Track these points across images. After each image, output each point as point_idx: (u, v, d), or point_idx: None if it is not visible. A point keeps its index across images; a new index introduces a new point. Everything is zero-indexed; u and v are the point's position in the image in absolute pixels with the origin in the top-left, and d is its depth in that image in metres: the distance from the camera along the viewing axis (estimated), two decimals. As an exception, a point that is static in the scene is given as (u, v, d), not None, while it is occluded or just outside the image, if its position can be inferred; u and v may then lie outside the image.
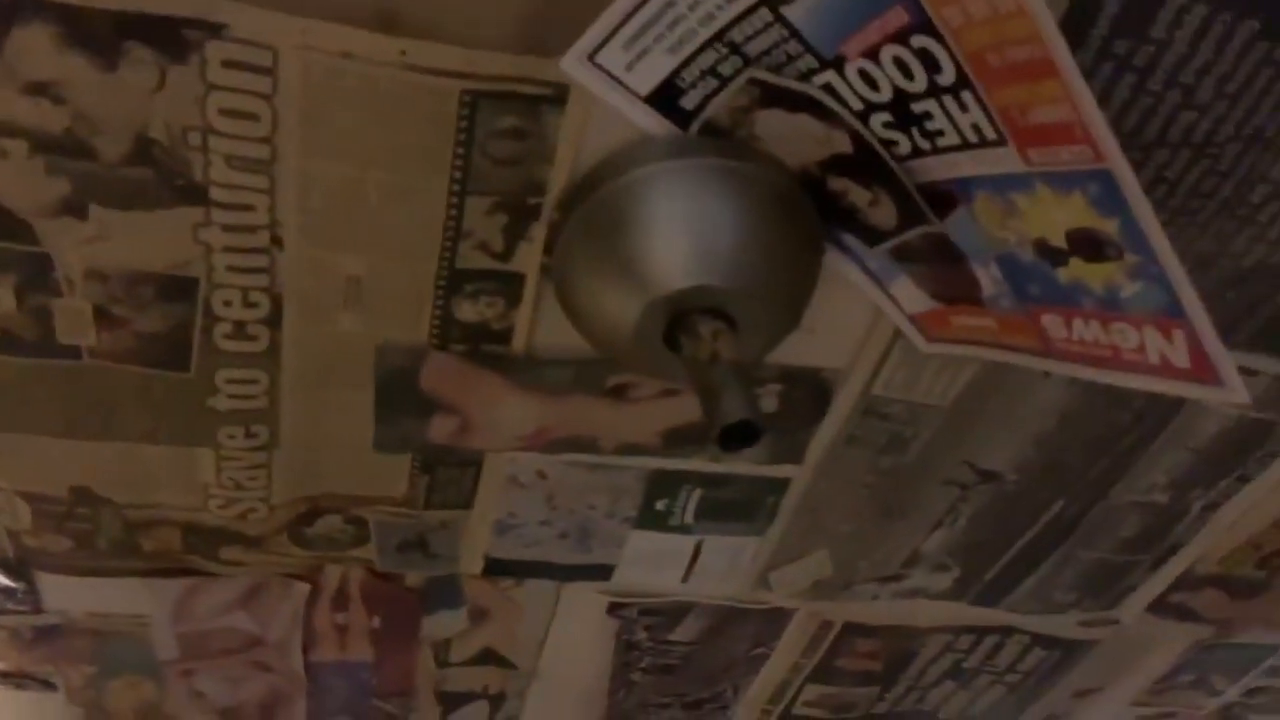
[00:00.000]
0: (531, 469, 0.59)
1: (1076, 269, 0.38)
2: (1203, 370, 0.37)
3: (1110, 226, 0.35)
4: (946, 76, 0.36)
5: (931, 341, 0.50)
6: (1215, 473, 0.64)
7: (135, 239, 0.43)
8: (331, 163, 0.42)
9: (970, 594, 0.72)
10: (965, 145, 0.38)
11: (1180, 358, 0.37)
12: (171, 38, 0.37)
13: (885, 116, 0.39)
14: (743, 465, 0.60)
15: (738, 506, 0.63)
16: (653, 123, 0.42)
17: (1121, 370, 0.40)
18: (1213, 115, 0.43)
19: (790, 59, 0.39)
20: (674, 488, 0.61)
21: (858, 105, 0.40)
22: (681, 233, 0.43)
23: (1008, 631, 0.77)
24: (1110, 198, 0.34)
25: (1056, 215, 0.37)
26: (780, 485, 0.62)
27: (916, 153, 0.40)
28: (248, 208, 0.43)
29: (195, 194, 0.42)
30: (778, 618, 0.73)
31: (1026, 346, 0.44)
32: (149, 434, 0.52)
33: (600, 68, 0.40)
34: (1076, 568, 0.71)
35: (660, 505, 0.62)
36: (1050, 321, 0.42)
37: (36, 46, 0.37)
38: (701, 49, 0.39)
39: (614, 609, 0.71)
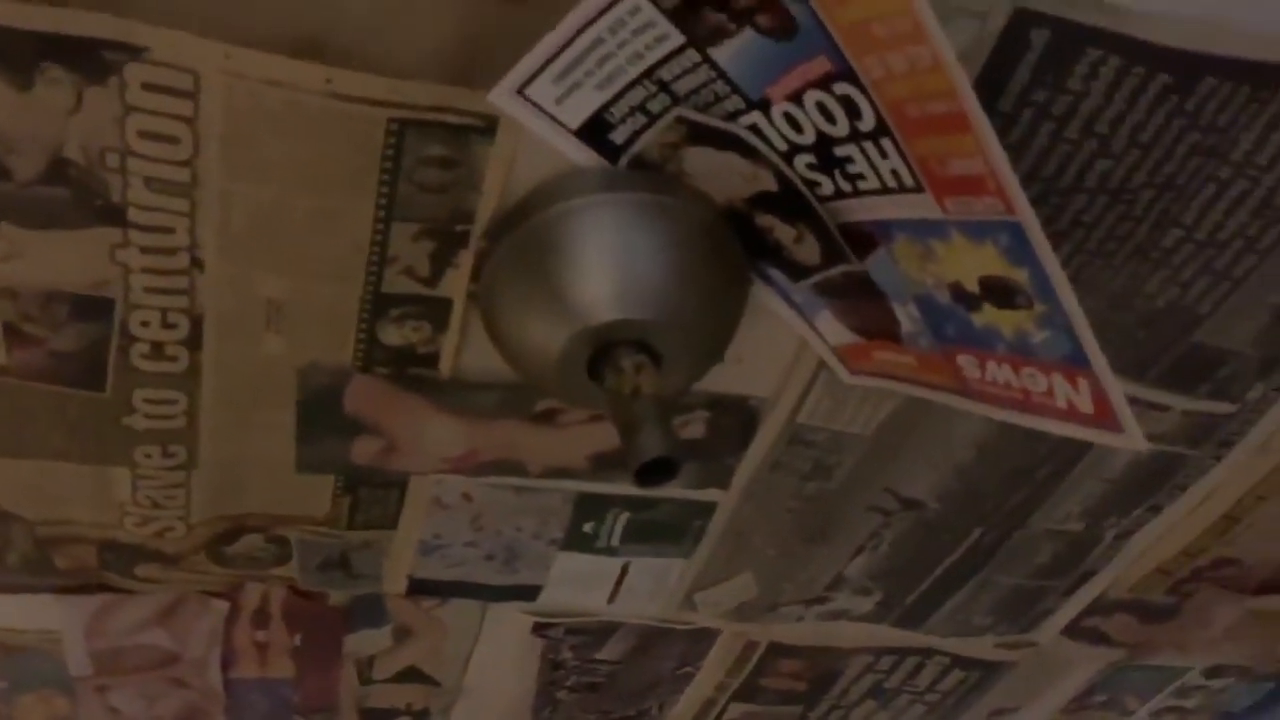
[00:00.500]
0: (457, 491, 0.58)
1: (989, 314, 0.39)
2: (1105, 417, 0.38)
3: (1020, 276, 0.36)
4: (867, 123, 0.37)
5: (854, 374, 0.51)
6: (1128, 503, 0.65)
7: (49, 258, 0.42)
8: (254, 186, 0.41)
9: (892, 616, 0.74)
10: (885, 190, 0.39)
11: (1085, 404, 0.38)
12: (90, 59, 0.37)
13: (809, 158, 0.40)
14: (670, 490, 0.61)
15: (664, 529, 0.63)
16: (583, 156, 0.42)
17: (1032, 413, 0.41)
18: (1127, 163, 0.45)
19: (718, 99, 0.40)
20: (601, 511, 0.62)
21: (783, 146, 0.40)
22: (608, 265, 0.43)
23: (928, 653, 0.78)
24: (1020, 249, 0.35)
25: (970, 262, 0.38)
26: (707, 509, 0.62)
27: (839, 194, 0.41)
28: (167, 230, 0.42)
29: (113, 215, 0.41)
30: (703, 638, 0.74)
31: (944, 384, 0.45)
32: (62, 452, 0.51)
33: (530, 101, 0.40)
34: (994, 593, 0.72)
35: (587, 528, 0.62)
36: (966, 362, 0.43)
37: (-52, 63, 0.36)
38: (630, 86, 0.40)
39: (539, 629, 0.71)
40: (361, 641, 0.70)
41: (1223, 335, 0.54)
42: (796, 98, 0.38)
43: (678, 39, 0.37)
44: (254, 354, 0.48)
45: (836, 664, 0.79)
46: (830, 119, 0.38)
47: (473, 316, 0.48)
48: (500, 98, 0.39)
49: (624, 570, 0.66)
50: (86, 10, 0.36)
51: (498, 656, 0.73)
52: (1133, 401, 0.56)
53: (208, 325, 0.46)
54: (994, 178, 0.33)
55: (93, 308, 0.45)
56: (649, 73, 0.39)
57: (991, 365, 0.41)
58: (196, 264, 0.44)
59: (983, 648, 0.78)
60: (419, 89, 0.39)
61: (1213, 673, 0.87)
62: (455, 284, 0.47)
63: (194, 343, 0.47)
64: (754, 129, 0.40)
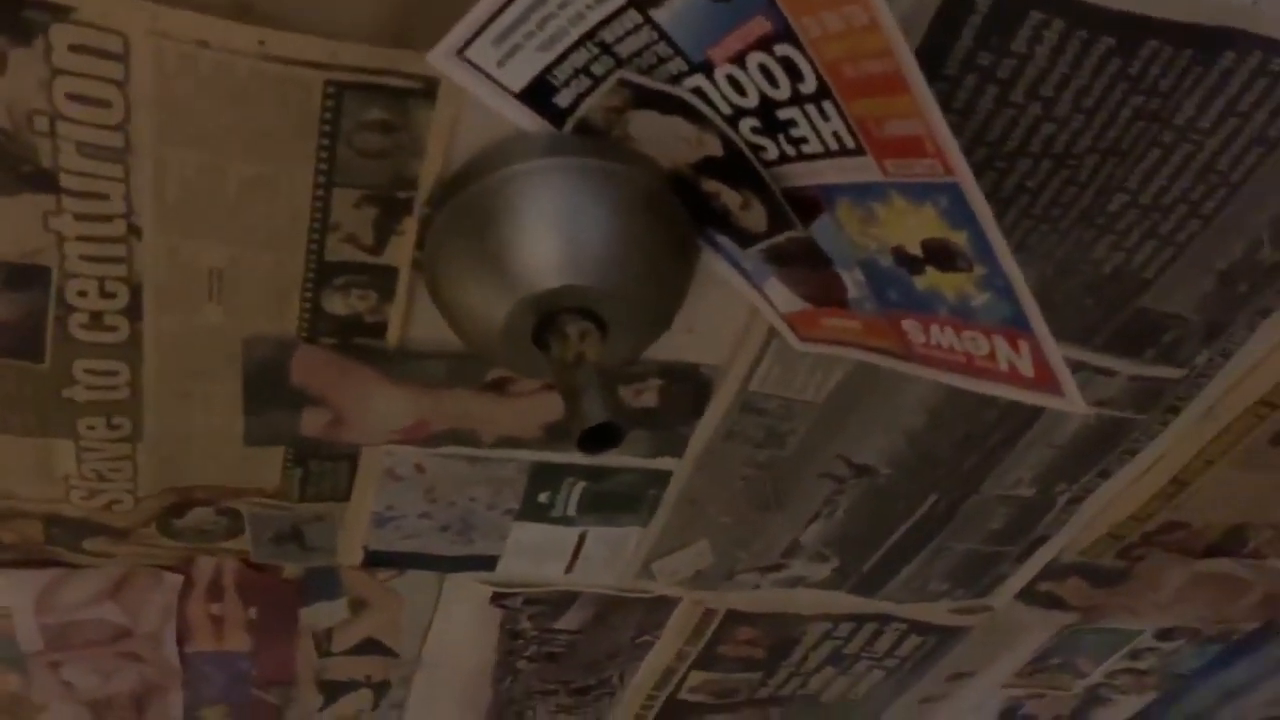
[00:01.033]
0: (409, 462, 0.58)
1: (932, 277, 0.39)
2: (1045, 380, 0.38)
3: (960, 238, 0.36)
4: (808, 85, 0.36)
5: (803, 341, 0.51)
6: (1078, 468, 0.66)
7: (-21, 225, 0.41)
8: (189, 152, 0.41)
9: (849, 583, 0.74)
10: (828, 153, 0.39)
11: (1026, 367, 0.38)
12: (12, 20, 0.36)
13: (753, 122, 0.40)
14: (625, 458, 0.61)
15: (620, 498, 0.63)
16: (526, 120, 0.42)
17: (975, 377, 0.41)
18: (1072, 127, 0.45)
19: (661, 61, 0.39)
20: (556, 480, 0.61)
21: (727, 110, 0.40)
22: (552, 232, 0.43)
23: (885, 619, 0.79)
24: (959, 211, 0.35)
25: (911, 225, 0.38)
26: (662, 478, 0.62)
27: (783, 158, 0.41)
28: (102, 196, 0.41)
29: (44, 181, 0.40)
30: (662, 606, 0.74)
31: (890, 349, 0.45)
32: (1, 424, 0.50)
33: (470, 63, 0.39)
34: (949, 558, 0.73)
35: (543, 498, 0.62)
36: (910, 326, 0.43)
37: None
38: (573, 48, 0.39)
39: (498, 599, 0.71)
40: (318, 614, 0.70)
41: (1168, 300, 0.54)
42: (739, 60, 0.37)
43: (619, -1, 0.37)
44: (196, 324, 0.47)
45: (794, 631, 0.79)
46: (772, 81, 0.37)
47: (419, 285, 0.48)
48: (440, 60, 0.39)
49: (581, 539, 0.66)
50: (8, -31, 0.35)
51: (456, 627, 0.73)
52: (1079, 367, 0.57)
53: (147, 294, 0.46)
54: (932, 139, 0.33)
55: (27, 277, 0.44)
56: (591, 34, 0.38)
57: (935, 329, 0.41)
58: (134, 231, 0.43)
59: (939, 613, 0.79)
60: (356, 51, 0.39)
61: (1164, 635, 0.88)
62: (400, 251, 0.46)
63: (134, 312, 0.46)
64: (698, 92, 0.40)
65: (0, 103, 0.38)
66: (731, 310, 0.52)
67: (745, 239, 0.46)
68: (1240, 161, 0.47)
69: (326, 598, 0.68)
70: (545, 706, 0.83)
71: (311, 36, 0.38)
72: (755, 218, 0.44)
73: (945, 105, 0.34)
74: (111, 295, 0.45)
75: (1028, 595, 0.78)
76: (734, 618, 0.76)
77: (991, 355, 0.40)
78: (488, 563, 0.67)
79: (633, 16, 0.38)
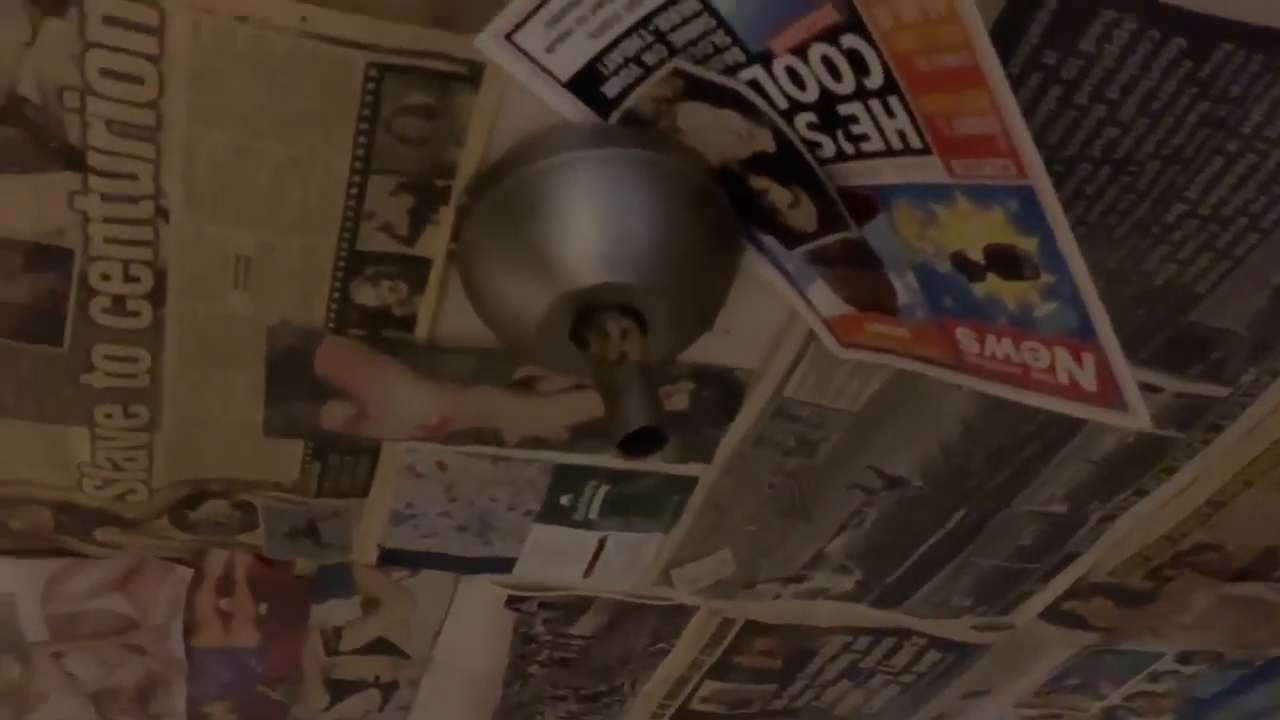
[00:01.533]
0: (431, 459, 0.56)
1: (992, 284, 0.38)
2: (1108, 394, 0.37)
3: (1029, 245, 0.35)
4: (874, 80, 0.35)
5: (845, 347, 0.49)
6: (1113, 485, 0.65)
7: (2, 203, 0.40)
8: (222, 132, 0.39)
9: (870, 596, 0.73)
10: (890, 152, 0.37)
11: (1088, 380, 0.37)
12: (46, -13, 0.34)
13: (810, 117, 0.38)
14: (651, 463, 0.59)
15: (644, 503, 0.62)
16: (572, 109, 0.40)
17: (1031, 389, 0.39)
18: (1134, 133, 0.43)
19: (717, 50, 0.38)
20: (579, 483, 0.60)
21: (783, 104, 0.38)
22: (595, 226, 0.41)
23: (905, 634, 0.77)
24: (1030, 216, 0.34)
25: (976, 229, 0.36)
26: (687, 483, 0.61)
27: (840, 156, 0.39)
28: (130, 176, 0.40)
29: (72, 158, 0.39)
30: (679, 614, 0.73)
31: (939, 359, 0.44)
32: (15, 409, 0.49)
33: (518, 48, 0.38)
34: (975, 574, 0.71)
35: (565, 500, 0.61)
36: (964, 335, 0.41)
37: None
38: (626, 35, 0.38)
39: (512, 602, 0.69)
40: (329, 612, 0.68)
41: (1219, 315, 0.52)
42: (801, 51, 0.36)
43: (678, -16, 0.35)
44: (221, 311, 0.46)
45: (812, 642, 0.78)
46: (835, 75, 0.36)
47: (452, 277, 0.46)
48: (487, 44, 0.37)
49: (601, 544, 0.64)
50: (43, -66, 0.33)
51: (469, 629, 0.71)
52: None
53: (172, 279, 0.44)
54: (1006, 137, 0.32)
55: (49, 258, 0.42)
56: (645, 21, 0.37)
57: (991, 339, 0.40)
58: (161, 213, 0.42)
59: (960, 629, 0.77)
60: (401, 31, 0.37)
61: (1185, 658, 0.87)
62: (435, 242, 0.45)
63: (158, 297, 0.45)
64: (754, 84, 0.38)
65: (29, 76, 0.36)
66: (770, 312, 0.50)
67: (792, 239, 0.44)
68: (1305, 174, 0.46)
69: (338, 595, 0.67)
70: (554, 712, 0.82)
71: (355, 15, 0.36)
72: (805, 217, 0.43)
73: (1007, 104, 0.32)
74: (135, 279, 0.44)
75: (1051, 614, 0.77)
76: (752, 628, 0.75)
77: (1051, 368, 0.38)
78: (505, 565, 0.65)
79: (691, 4, 0.36)
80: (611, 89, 0.39)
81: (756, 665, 0.79)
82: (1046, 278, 0.36)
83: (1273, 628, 0.83)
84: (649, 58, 0.38)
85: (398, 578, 0.66)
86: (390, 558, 0.63)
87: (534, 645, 0.74)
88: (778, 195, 0.42)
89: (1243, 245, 0.49)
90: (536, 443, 0.56)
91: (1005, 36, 0.39)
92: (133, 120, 0.38)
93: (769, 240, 0.45)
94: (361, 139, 0.40)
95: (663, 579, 0.68)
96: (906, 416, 0.58)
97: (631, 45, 0.38)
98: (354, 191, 0.42)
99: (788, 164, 0.40)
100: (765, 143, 0.40)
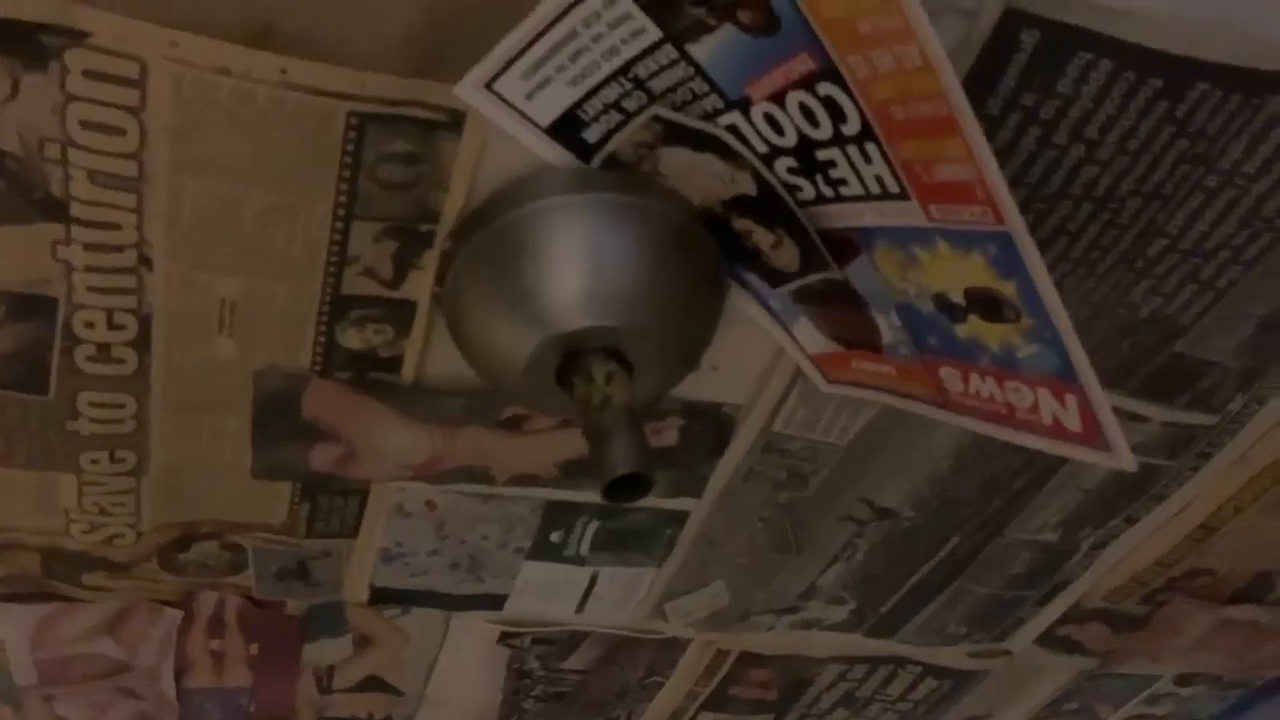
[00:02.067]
0: (420, 499, 0.56)
1: (974, 326, 0.38)
2: (1093, 435, 0.37)
3: (1008, 288, 0.35)
4: (851, 126, 0.35)
5: (831, 383, 0.49)
6: (1105, 513, 0.64)
7: (-15, 254, 0.40)
8: (205, 181, 0.39)
9: (865, 626, 0.72)
10: (868, 196, 0.37)
11: (1072, 421, 0.37)
12: (26, 43, 0.34)
13: (790, 161, 0.38)
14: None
15: (635, 538, 0.62)
16: (553, 154, 0.40)
17: (1015, 429, 0.39)
18: (1115, 170, 0.43)
19: (696, 97, 0.38)
20: (570, 519, 0.60)
21: (762, 148, 0.39)
22: (579, 269, 0.41)
23: (901, 662, 0.77)
24: (1009, 260, 0.34)
25: (956, 272, 0.36)
26: (679, 518, 0.61)
27: (820, 199, 0.39)
28: (113, 226, 0.40)
29: (54, 209, 0.39)
30: (673, 647, 0.72)
31: (924, 396, 0.44)
32: (2, 457, 0.49)
33: (498, 96, 0.38)
34: (969, 602, 0.71)
35: (555, 536, 0.61)
36: (948, 374, 0.41)
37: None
38: (605, 82, 0.38)
39: (505, 638, 0.69)
40: (320, 651, 0.68)
41: (1204, 346, 0.53)
42: (778, 98, 0.36)
43: (655, 34, 0.36)
44: (206, 356, 0.46)
45: (808, 672, 0.77)
46: (813, 121, 0.36)
47: (437, 320, 0.46)
48: (467, 92, 0.37)
49: (593, 579, 0.64)
50: (23, -9, 0.33)
51: (462, 666, 0.71)
52: (1112, 412, 0.55)
53: (157, 326, 0.44)
54: (983, 185, 0.32)
55: (33, 307, 0.42)
56: (625, 69, 0.37)
57: (975, 378, 0.40)
58: (144, 262, 0.42)
59: (956, 657, 0.77)
60: (381, 81, 0.37)
61: (1183, 680, 0.87)
62: (419, 286, 0.45)
63: (143, 344, 0.45)
64: (733, 129, 0.38)
65: (11, 128, 0.36)
66: (757, 349, 0.50)
67: (775, 278, 0.44)
68: (1285, 206, 0.46)
69: (330, 634, 0.67)
70: (550, 745, 0.81)
71: (335, 66, 0.37)
72: (787, 257, 0.43)
73: (986, 145, 0.32)
74: (120, 327, 0.44)
75: (1047, 640, 0.76)
76: (747, 659, 0.74)
77: (1035, 408, 0.38)
78: (496, 602, 0.65)
79: (668, 52, 0.37)
80: (592, 135, 0.40)
81: (752, 696, 0.79)
82: (1027, 320, 0.36)
83: (1270, 649, 0.82)
84: (629, 104, 0.38)
85: (389, 616, 0.66)
86: (381, 596, 0.63)
87: (528, 680, 0.73)
88: (760, 236, 0.42)
89: (1225, 277, 0.49)
90: (526, 480, 0.56)
91: (983, 79, 0.39)
92: (115, 171, 0.38)
93: (754, 279, 0.45)
94: (344, 186, 0.40)
95: (656, 612, 0.68)
96: (896, 449, 0.58)
97: (611, 92, 0.38)
98: (338, 237, 0.42)
99: (769, 206, 0.40)
100: (746, 186, 0.40)
